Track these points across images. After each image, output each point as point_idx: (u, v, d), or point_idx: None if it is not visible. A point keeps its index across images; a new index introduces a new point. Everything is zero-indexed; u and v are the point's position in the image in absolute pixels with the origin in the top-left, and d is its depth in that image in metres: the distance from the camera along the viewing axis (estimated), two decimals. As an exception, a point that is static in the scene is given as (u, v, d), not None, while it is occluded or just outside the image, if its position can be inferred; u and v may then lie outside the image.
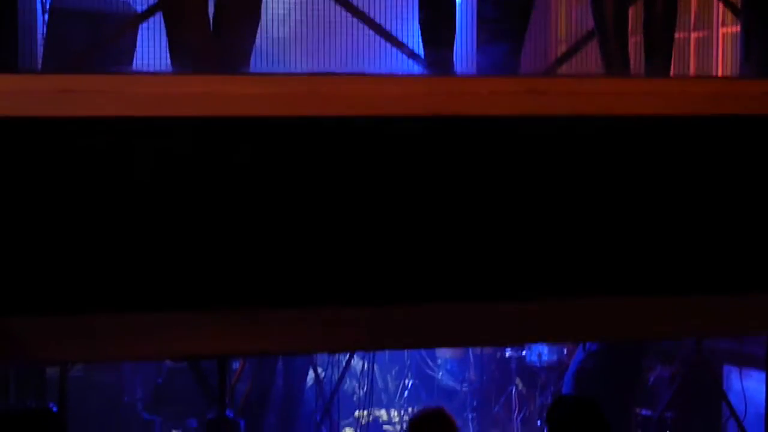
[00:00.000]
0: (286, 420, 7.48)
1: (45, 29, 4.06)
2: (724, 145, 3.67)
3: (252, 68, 3.76)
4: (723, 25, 6.72)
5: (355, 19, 4.19)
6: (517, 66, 3.97)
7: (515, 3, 3.96)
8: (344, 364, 7.77)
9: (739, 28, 4.51)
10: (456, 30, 3.94)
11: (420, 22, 3.93)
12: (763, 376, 4.94)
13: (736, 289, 3.69)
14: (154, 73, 3.63)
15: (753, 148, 3.68)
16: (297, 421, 7.59)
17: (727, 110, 3.67)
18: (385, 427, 8.34)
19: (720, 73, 6.38)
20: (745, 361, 7.33)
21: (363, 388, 8.31)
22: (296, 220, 3.33)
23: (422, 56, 3.99)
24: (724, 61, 6.51)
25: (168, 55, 3.63)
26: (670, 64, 4.09)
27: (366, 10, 4.15)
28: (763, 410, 4.30)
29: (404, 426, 8.06)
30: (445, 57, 3.88)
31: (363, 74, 3.68)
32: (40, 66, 4.04)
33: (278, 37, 4.32)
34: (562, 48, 4.73)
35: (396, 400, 8.49)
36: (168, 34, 3.62)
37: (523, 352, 8.08)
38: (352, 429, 8.20)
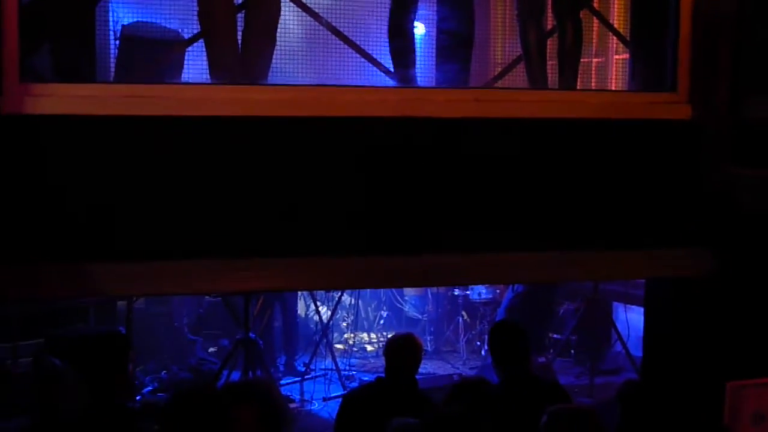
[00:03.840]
0: (290, 340, 7.50)
1: (116, 51, 4.03)
2: (617, 142, 3.69)
3: (269, 80, 3.73)
4: (616, 53, 6.74)
5: (344, 45, 4.15)
6: (465, 81, 3.96)
7: (463, 35, 3.95)
8: (336, 299, 7.80)
9: (627, 55, 4.51)
10: (416, 54, 3.93)
11: (390, 50, 3.93)
12: (641, 310, 4.99)
13: (622, 247, 3.72)
14: (197, 84, 3.60)
15: (638, 144, 3.70)
16: (298, 341, 7.61)
17: (618, 115, 3.69)
18: (367, 346, 8.37)
19: (613, 89, 6.40)
20: (629, 300, 7.41)
21: (350, 317, 8.33)
22: (303, 191, 3.33)
23: (394, 73, 3.98)
24: (617, 80, 6.54)
25: (207, 70, 3.61)
26: (576, 81, 4.10)
27: (352, 37, 4.10)
28: (641, 334, 4.35)
29: (381, 345, 8.08)
30: (410, 74, 3.88)
31: (351, 86, 3.66)
32: (112, 77, 4.00)
33: (287, 56, 4.28)
34: (498, 69, 4.71)
35: (374, 326, 8.51)
36: (207, 55, 3.60)
37: (468, 292, 8.11)
38: (342, 345, 8.23)
